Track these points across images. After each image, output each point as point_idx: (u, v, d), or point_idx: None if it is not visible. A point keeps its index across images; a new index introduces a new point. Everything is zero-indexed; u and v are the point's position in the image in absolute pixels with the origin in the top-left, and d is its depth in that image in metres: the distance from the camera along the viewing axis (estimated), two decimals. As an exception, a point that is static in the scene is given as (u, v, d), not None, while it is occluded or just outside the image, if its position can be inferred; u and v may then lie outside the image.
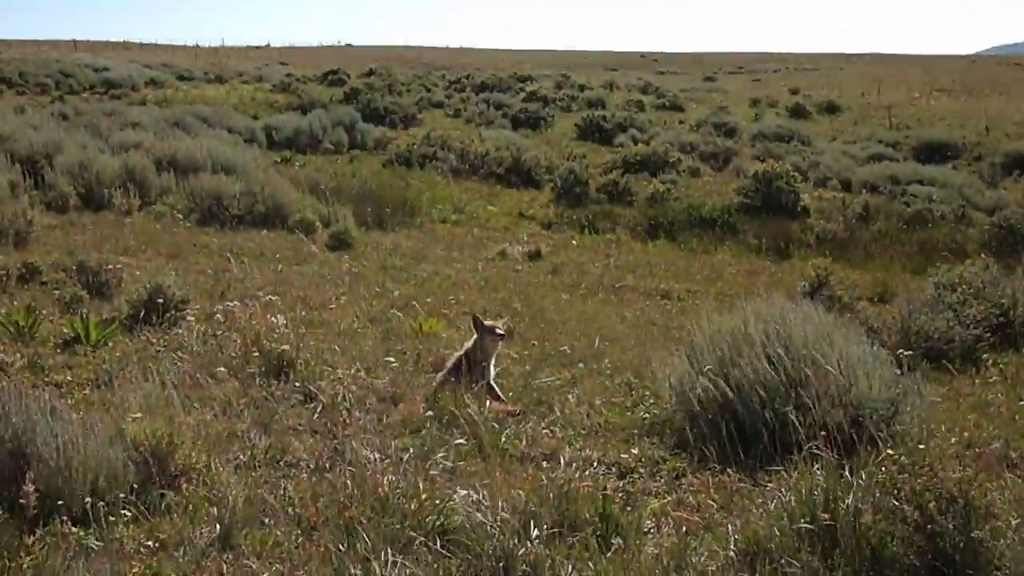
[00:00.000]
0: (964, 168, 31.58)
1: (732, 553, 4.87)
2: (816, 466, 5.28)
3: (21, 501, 4.98)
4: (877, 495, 4.88)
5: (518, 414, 7.27)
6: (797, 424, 5.84)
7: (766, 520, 5.05)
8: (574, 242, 18.68)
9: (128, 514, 5.19)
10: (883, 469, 5.10)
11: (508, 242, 17.33)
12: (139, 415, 6.02)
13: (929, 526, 4.61)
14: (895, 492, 4.80)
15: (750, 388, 6.38)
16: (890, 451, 5.26)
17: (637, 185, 24.34)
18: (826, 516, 4.79)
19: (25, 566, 4.67)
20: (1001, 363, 9.64)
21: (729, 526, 5.15)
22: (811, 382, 6.26)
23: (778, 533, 4.86)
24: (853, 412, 6.14)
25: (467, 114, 41.55)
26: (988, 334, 10.19)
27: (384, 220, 18.00)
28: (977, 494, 4.71)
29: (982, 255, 14.12)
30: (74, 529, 4.97)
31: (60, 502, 5.10)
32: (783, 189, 22.79)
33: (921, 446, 5.69)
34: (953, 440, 6.74)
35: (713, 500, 5.70)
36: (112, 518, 5.10)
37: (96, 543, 4.93)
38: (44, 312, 9.00)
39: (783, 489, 5.29)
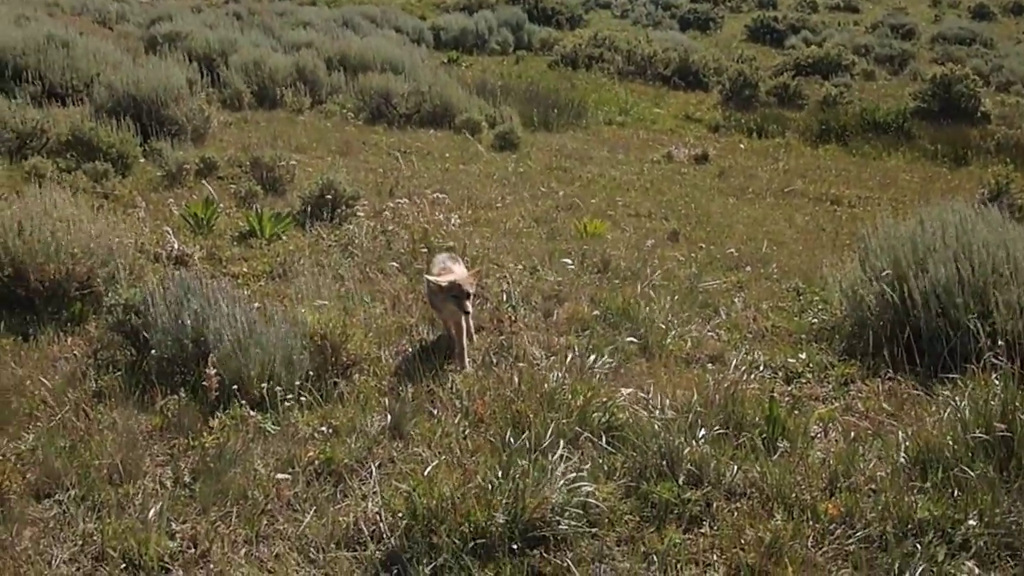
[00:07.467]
0: None
1: (902, 460, 4.76)
2: (994, 376, 5.10)
3: (204, 384, 5.21)
4: (1059, 408, 4.70)
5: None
6: (978, 333, 5.61)
7: (939, 429, 4.92)
8: (742, 146, 18.33)
9: (303, 400, 5.37)
10: (1066, 381, 4.91)
11: (674, 145, 17.10)
12: (314, 306, 6.20)
13: (1114, 442, 4.43)
14: (1078, 405, 4.62)
15: (928, 295, 6.17)
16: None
17: (808, 88, 23.73)
18: (1003, 427, 4.64)
19: (207, 445, 4.89)
20: None
21: (899, 433, 5.02)
22: (993, 290, 6.02)
23: (951, 442, 4.73)
24: (1036, 323, 5.88)
25: (634, 15, 40.89)
26: None
27: (550, 121, 17.95)
28: None
29: None
30: (252, 413, 5.19)
31: (238, 387, 5.31)
32: (963, 93, 21.88)
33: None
34: None
35: (883, 407, 5.58)
36: (288, 404, 5.28)
37: (273, 427, 5.13)
38: (221, 206, 9.28)
39: (957, 398, 5.12)
